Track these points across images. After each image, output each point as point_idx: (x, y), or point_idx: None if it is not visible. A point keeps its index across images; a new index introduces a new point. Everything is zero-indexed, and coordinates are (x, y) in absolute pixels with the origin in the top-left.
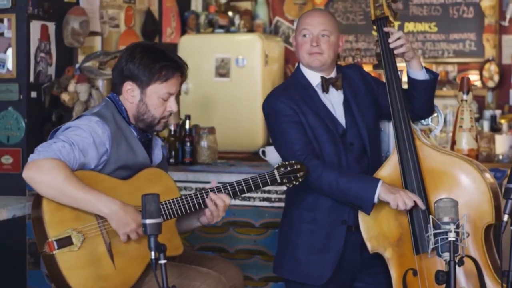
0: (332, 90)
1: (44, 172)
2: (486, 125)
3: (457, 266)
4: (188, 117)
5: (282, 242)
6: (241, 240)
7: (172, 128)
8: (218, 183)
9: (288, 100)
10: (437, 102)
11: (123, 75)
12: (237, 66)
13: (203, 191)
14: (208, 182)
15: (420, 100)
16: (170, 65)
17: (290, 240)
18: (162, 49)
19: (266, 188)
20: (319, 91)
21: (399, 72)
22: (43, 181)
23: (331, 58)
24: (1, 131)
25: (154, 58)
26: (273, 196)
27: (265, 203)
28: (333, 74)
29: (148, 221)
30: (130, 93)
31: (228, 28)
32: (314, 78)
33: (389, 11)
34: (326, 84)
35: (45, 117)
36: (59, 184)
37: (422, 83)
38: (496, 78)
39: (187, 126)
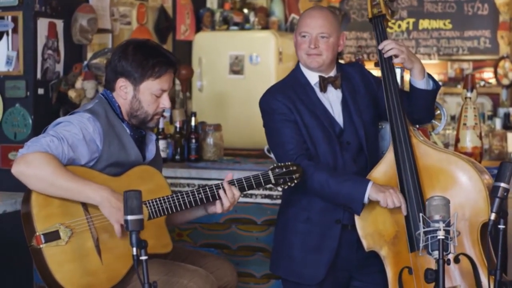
0: (330, 89)
1: (33, 166)
2: (498, 122)
3: (453, 264)
4: (193, 114)
5: (278, 241)
6: (243, 237)
7: (178, 125)
8: (210, 179)
9: (284, 99)
10: (451, 99)
11: (116, 72)
12: (251, 64)
13: (194, 190)
14: (211, 179)
15: (417, 106)
16: (163, 62)
17: (286, 239)
18: (155, 45)
19: (268, 186)
20: (317, 89)
21: (398, 70)
22: (33, 175)
23: (329, 59)
24: (8, 127)
25: (147, 54)
26: (275, 193)
27: (267, 200)
28: (332, 73)
29: (129, 217)
30: (123, 90)
31: (243, 25)
32: (312, 77)
33: (386, 9)
34: (324, 83)
35: (52, 113)
36: (49, 176)
37: (420, 92)
38: (511, 75)
39: (192, 123)
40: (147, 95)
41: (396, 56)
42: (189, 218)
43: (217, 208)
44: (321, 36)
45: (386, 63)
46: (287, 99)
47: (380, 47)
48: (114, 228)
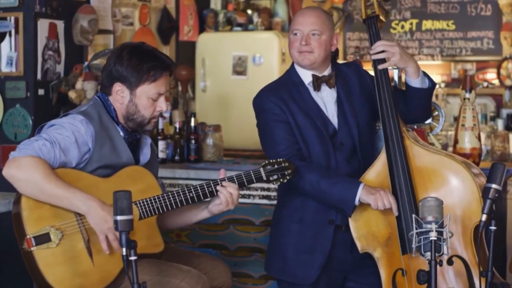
0: (325, 88)
1: (23, 170)
2: (501, 124)
3: (446, 266)
4: (193, 114)
5: (272, 241)
6: (241, 238)
7: (177, 125)
8: (208, 180)
9: (277, 99)
10: (454, 100)
11: (112, 77)
12: (254, 64)
13: (185, 188)
14: (210, 179)
15: (413, 105)
16: (158, 65)
17: (279, 239)
18: (150, 49)
19: (266, 186)
20: (310, 89)
21: (396, 71)
22: (23, 179)
23: (321, 57)
24: (8, 128)
25: (142, 59)
26: (273, 194)
27: (265, 201)
28: (326, 72)
29: (119, 217)
30: (119, 94)
31: (246, 26)
32: (306, 76)
33: (380, 10)
34: (317, 82)
35: (52, 114)
36: (38, 182)
37: (415, 91)
38: None
39: (192, 124)
40: (144, 99)
41: (387, 59)
42: (192, 220)
43: (220, 206)
44: (312, 34)
45: (378, 64)
46: (279, 99)
47: (372, 48)
48: (99, 238)
